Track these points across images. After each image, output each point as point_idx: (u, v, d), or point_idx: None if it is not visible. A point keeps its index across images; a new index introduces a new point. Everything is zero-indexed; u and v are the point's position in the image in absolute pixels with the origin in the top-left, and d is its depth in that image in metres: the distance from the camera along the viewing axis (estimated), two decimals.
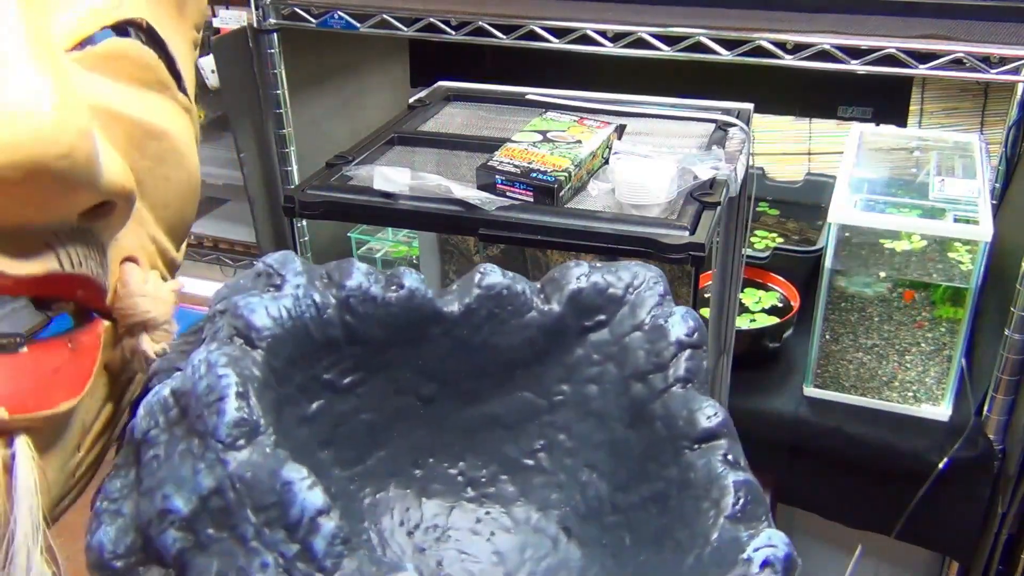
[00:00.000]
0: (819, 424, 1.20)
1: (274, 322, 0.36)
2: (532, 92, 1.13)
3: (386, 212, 0.88)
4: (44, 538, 0.33)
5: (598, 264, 0.42)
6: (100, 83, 0.38)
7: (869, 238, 1.13)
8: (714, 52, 1.05)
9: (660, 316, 0.40)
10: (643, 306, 0.41)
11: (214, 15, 1.49)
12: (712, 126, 1.04)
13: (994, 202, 1.30)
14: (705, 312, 1.13)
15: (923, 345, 1.16)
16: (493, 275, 0.41)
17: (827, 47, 1.01)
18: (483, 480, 0.43)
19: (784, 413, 1.21)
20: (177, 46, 0.44)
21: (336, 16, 1.20)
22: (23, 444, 0.33)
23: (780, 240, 1.53)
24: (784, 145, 1.81)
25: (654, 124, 1.06)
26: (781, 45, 1.03)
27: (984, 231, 1.06)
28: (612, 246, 0.82)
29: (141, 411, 0.33)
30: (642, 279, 0.41)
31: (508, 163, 0.88)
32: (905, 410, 1.19)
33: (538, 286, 0.42)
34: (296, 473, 0.30)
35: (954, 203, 1.14)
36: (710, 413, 0.37)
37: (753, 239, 1.52)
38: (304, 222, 1.34)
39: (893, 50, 0.99)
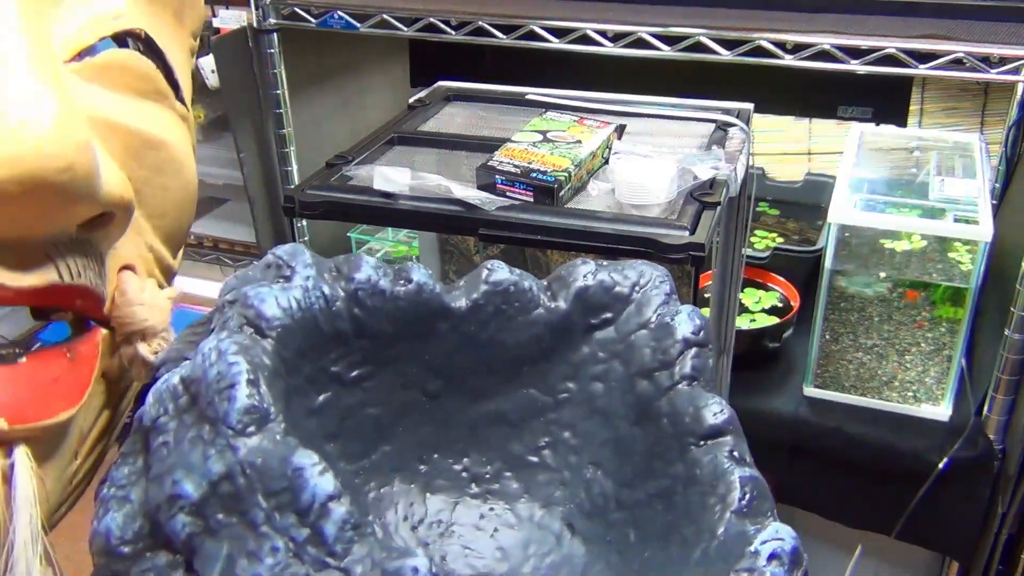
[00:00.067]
0: (819, 424, 1.20)
1: (284, 312, 0.36)
2: (532, 92, 1.13)
3: (386, 212, 0.88)
4: (43, 546, 0.33)
5: (604, 263, 0.42)
6: (99, 94, 0.38)
7: (869, 238, 1.13)
8: (714, 52, 1.05)
9: (666, 314, 0.40)
10: (649, 304, 0.41)
11: (214, 15, 1.49)
12: (712, 126, 1.04)
13: (994, 202, 1.30)
14: (705, 312, 1.13)
15: (923, 345, 1.16)
16: (500, 271, 0.41)
17: (827, 47, 1.01)
18: (487, 476, 0.44)
19: (784, 413, 1.21)
20: (175, 55, 0.44)
21: (336, 16, 1.20)
22: (22, 454, 0.33)
23: (780, 240, 1.53)
24: (784, 145, 1.81)
25: (654, 124, 1.06)
26: (781, 45, 1.03)
27: (984, 231, 1.06)
28: (612, 246, 0.82)
29: (150, 398, 0.33)
30: (648, 278, 0.42)
31: (508, 163, 0.88)
32: (905, 410, 1.19)
33: (545, 283, 0.42)
34: (307, 459, 0.30)
35: (954, 203, 1.14)
36: (716, 410, 0.38)
37: (753, 239, 1.52)
38: (304, 222, 1.34)
39: (893, 50, 0.99)
